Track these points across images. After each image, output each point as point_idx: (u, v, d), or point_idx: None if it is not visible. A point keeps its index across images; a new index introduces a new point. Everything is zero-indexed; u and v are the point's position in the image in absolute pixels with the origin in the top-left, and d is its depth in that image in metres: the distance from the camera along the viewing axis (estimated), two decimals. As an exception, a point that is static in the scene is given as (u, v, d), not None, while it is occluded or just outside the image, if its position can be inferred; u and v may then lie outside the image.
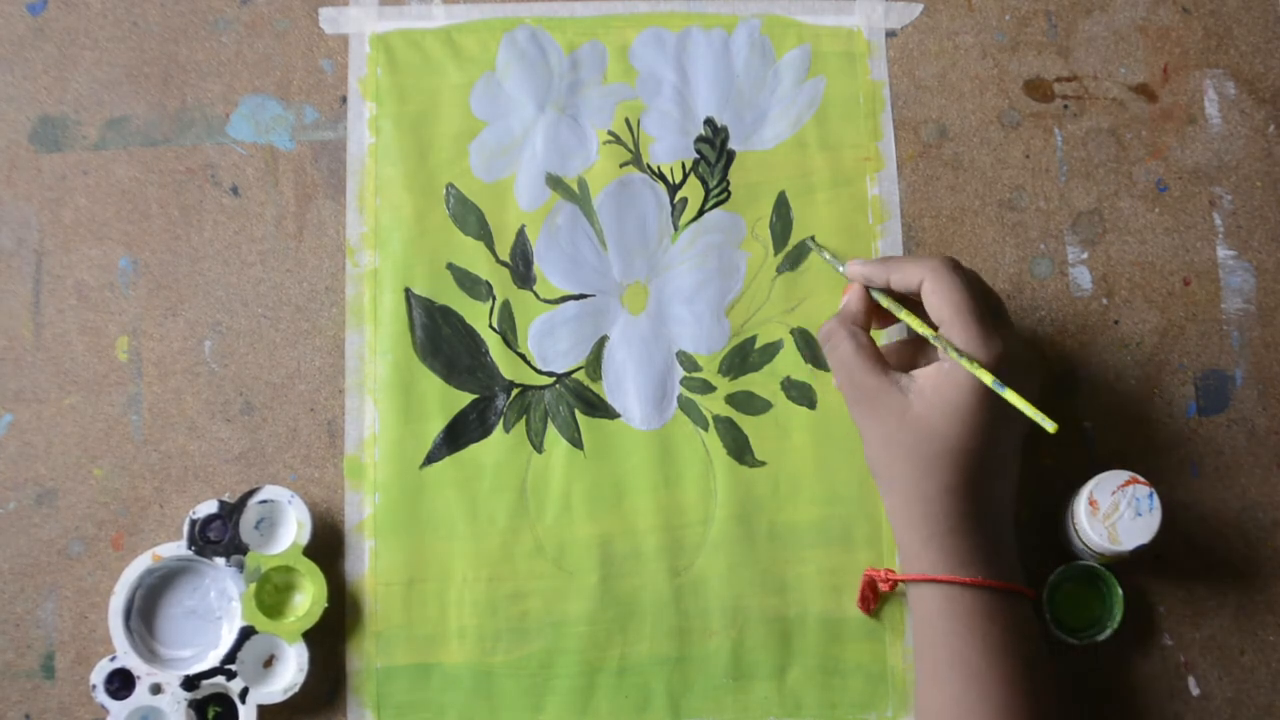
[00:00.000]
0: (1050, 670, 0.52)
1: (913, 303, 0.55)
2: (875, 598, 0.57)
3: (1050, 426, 0.48)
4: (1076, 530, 0.55)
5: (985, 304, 0.52)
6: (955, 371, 0.51)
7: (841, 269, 0.57)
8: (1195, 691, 0.58)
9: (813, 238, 0.61)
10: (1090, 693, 0.58)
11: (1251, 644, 0.58)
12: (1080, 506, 0.54)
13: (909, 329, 0.57)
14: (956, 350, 0.50)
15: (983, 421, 0.51)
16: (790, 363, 0.61)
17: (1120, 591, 0.56)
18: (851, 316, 0.55)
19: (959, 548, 0.51)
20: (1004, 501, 0.53)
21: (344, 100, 0.63)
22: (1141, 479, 0.54)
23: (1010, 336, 0.53)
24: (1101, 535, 0.54)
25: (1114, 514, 0.54)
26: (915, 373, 0.52)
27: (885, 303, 0.55)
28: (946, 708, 0.50)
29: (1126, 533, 0.54)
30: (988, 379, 0.50)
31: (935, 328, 0.52)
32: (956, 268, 0.52)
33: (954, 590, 0.51)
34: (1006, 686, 0.49)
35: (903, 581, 0.53)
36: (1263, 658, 0.58)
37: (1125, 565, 0.57)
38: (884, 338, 0.60)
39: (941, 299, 0.51)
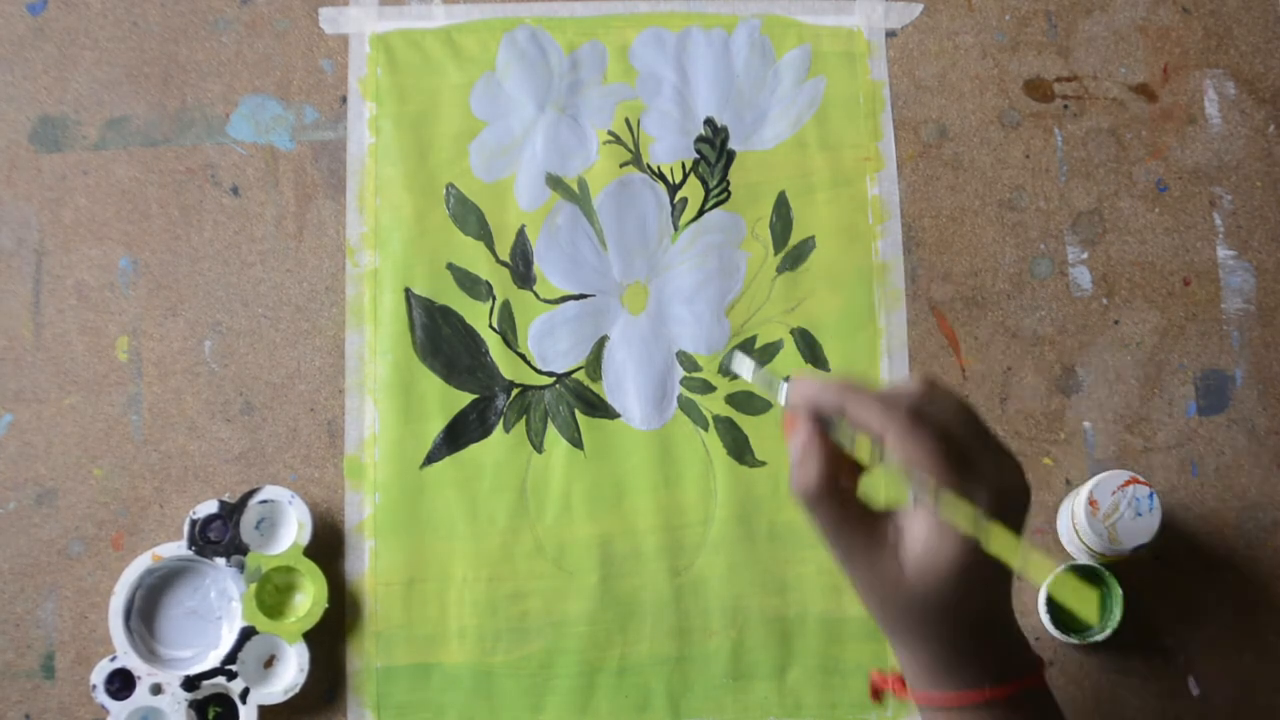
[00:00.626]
0: None
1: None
2: (881, 695, 0.54)
3: (1039, 582, 0.44)
4: (1076, 530, 0.55)
5: (963, 448, 0.44)
6: (947, 530, 0.44)
7: (778, 393, 0.45)
8: (1195, 691, 0.58)
9: (740, 346, 0.58)
10: (1090, 692, 0.58)
11: (1251, 644, 0.58)
12: (1080, 506, 0.54)
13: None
14: (945, 503, 0.44)
15: (981, 579, 0.46)
16: (790, 363, 0.61)
17: (1120, 591, 0.56)
18: (819, 480, 0.45)
19: (965, 675, 0.47)
20: (1010, 629, 0.49)
21: (344, 100, 0.63)
22: (1142, 479, 0.54)
23: (996, 470, 0.45)
24: (1101, 535, 0.54)
25: (1114, 514, 0.54)
26: (904, 523, 0.46)
27: (855, 450, 0.45)
28: None
29: (1126, 533, 0.54)
30: (967, 524, 0.43)
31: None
32: (922, 423, 0.44)
33: (963, 713, 0.47)
34: None
35: (913, 700, 0.48)
36: (1263, 658, 0.58)
37: (1125, 565, 0.57)
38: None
39: (911, 459, 0.44)
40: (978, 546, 0.44)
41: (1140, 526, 0.54)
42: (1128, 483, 0.54)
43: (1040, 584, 0.44)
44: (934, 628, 0.47)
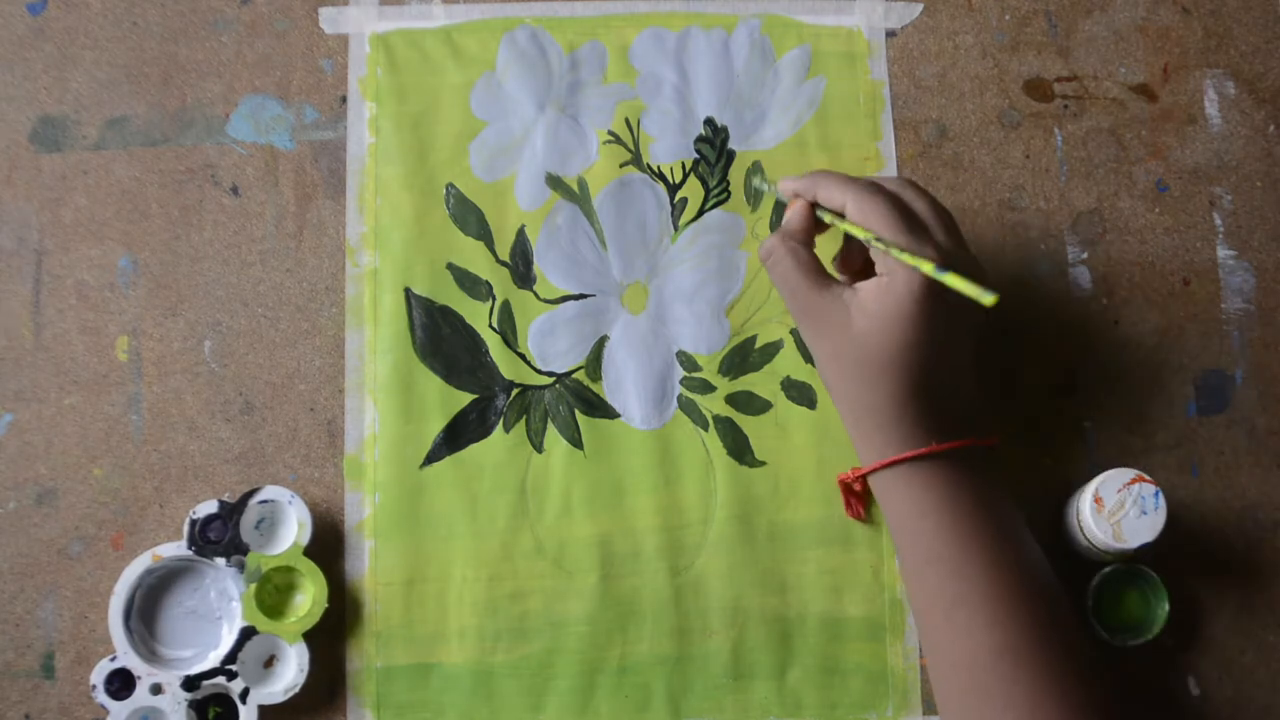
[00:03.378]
0: (1022, 520, 0.51)
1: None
2: (859, 501, 0.58)
3: (989, 299, 0.46)
4: (1081, 528, 0.55)
5: (918, 222, 0.52)
6: (895, 281, 0.50)
7: (774, 190, 0.57)
8: (1195, 691, 0.58)
9: (753, 167, 0.61)
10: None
11: (1251, 644, 0.58)
12: (1085, 504, 0.54)
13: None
14: (891, 247, 0.50)
15: (927, 329, 0.50)
16: (790, 363, 0.61)
17: (1166, 592, 0.56)
18: (792, 233, 0.54)
19: (907, 436, 0.51)
20: (957, 391, 0.52)
21: (344, 100, 0.63)
22: (1147, 477, 0.54)
23: (951, 244, 0.52)
24: (1106, 533, 0.54)
25: (1119, 512, 0.54)
26: (858, 285, 0.52)
27: (827, 217, 0.54)
28: (930, 597, 0.50)
29: (1131, 531, 0.54)
30: (926, 267, 0.48)
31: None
32: (878, 191, 0.52)
33: (910, 468, 0.50)
34: (981, 552, 0.49)
35: (867, 475, 0.53)
36: (1263, 658, 0.58)
37: (1130, 564, 0.57)
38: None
39: (869, 218, 0.51)
40: (926, 299, 0.50)
41: (1146, 524, 0.54)
42: (1133, 480, 0.54)
43: (990, 301, 0.46)
44: (883, 378, 0.51)
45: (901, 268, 0.50)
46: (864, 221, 0.51)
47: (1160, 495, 0.54)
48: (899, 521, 0.51)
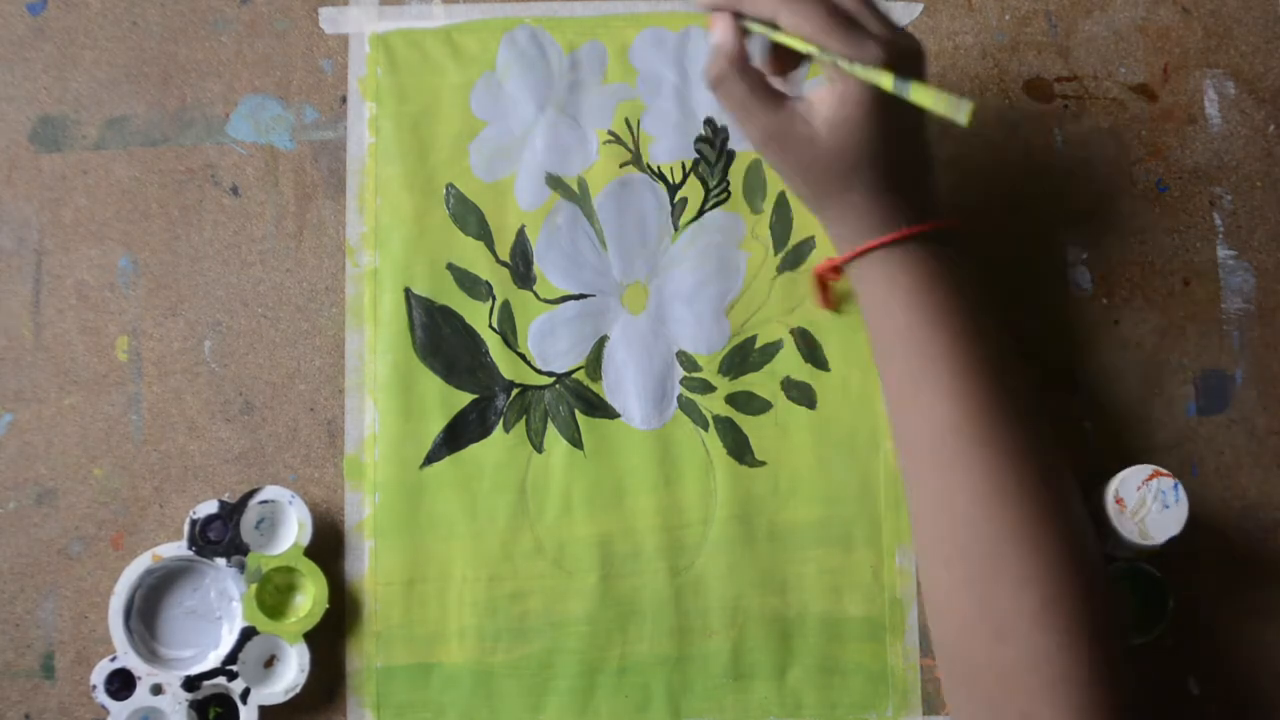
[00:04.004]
0: (987, 304, 0.52)
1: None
2: (831, 294, 0.60)
3: (964, 118, 0.45)
4: (1106, 531, 0.55)
5: (848, 11, 0.51)
6: (849, 86, 0.50)
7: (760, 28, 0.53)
8: (1195, 691, 0.58)
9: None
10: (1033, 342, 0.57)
11: (1251, 644, 0.58)
12: (1108, 506, 0.54)
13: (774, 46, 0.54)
14: (845, 62, 0.49)
15: (888, 122, 0.51)
16: (790, 363, 0.61)
17: (1169, 591, 0.56)
18: (732, 53, 0.52)
19: (883, 226, 0.52)
20: (922, 177, 0.54)
21: (344, 100, 0.63)
22: (1165, 471, 0.54)
23: (887, 32, 0.51)
24: (1132, 532, 0.54)
25: (1141, 509, 0.54)
26: (810, 96, 0.52)
27: (755, 28, 0.51)
28: (898, 376, 0.52)
29: (1156, 526, 0.54)
30: (887, 84, 0.48)
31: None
32: None
33: (885, 252, 0.52)
34: (946, 328, 0.50)
35: (843, 264, 0.54)
36: (1263, 658, 0.58)
37: (1151, 561, 0.57)
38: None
39: (801, 26, 0.50)
40: (880, 95, 0.50)
41: (1169, 518, 0.54)
42: (1151, 476, 0.54)
43: (966, 121, 0.46)
44: (853, 180, 0.52)
45: (844, 71, 0.50)
46: (800, 30, 0.50)
47: (1180, 487, 0.54)
48: (873, 302, 0.53)
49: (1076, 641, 0.46)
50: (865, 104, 0.50)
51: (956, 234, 0.53)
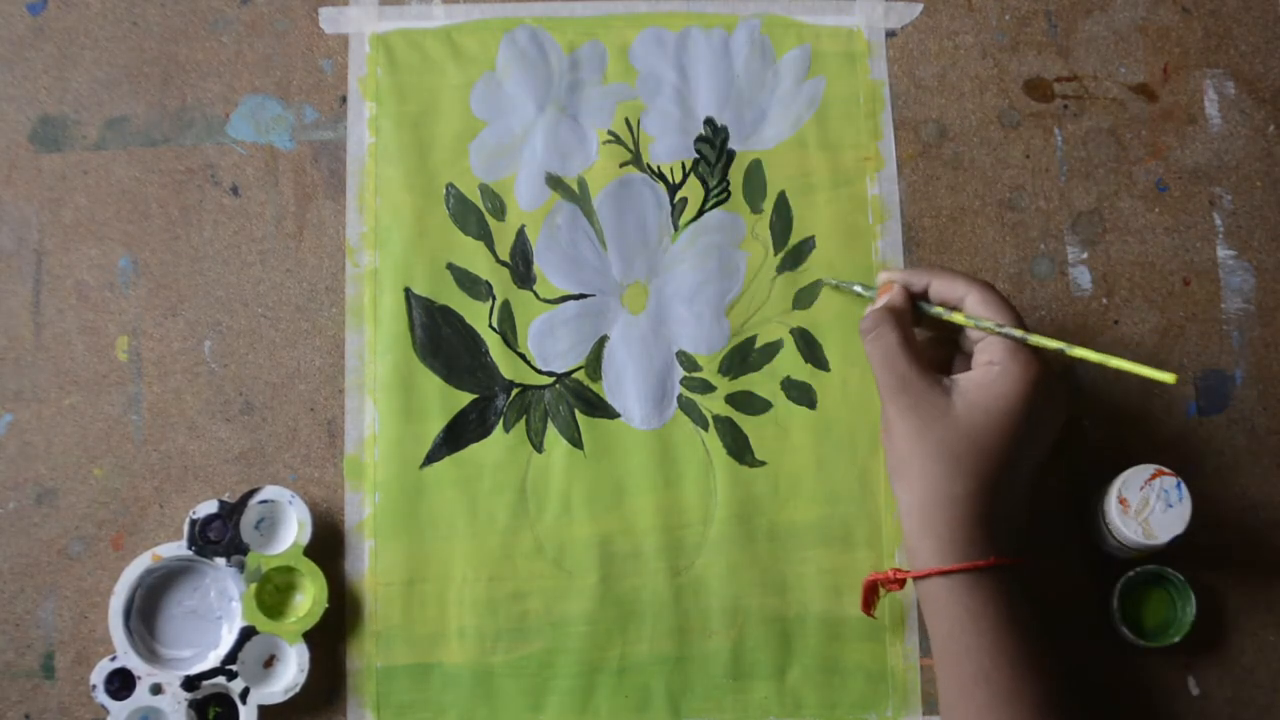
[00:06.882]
0: (1051, 641, 0.51)
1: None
2: (876, 600, 0.57)
3: (1170, 378, 0.49)
4: (1110, 530, 0.55)
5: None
6: (1006, 374, 0.51)
7: (859, 289, 0.59)
8: (1195, 691, 0.58)
9: (826, 279, 0.61)
10: (1091, 692, 0.58)
11: (1251, 644, 0.58)
12: (1111, 506, 0.54)
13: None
14: (1031, 335, 0.52)
15: (1023, 428, 0.51)
16: (790, 363, 0.61)
17: (1192, 594, 0.56)
18: (896, 311, 0.54)
19: (973, 543, 0.51)
20: (1023, 495, 0.53)
21: (344, 100, 0.63)
22: (1167, 470, 0.54)
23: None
24: (1136, 533, 0.54)
25: (1145, 509, 0.54)
26: (958, 376, 0.53)
27: (933, 310, 0.55)
28: (977, 714, 0.50)
29: (1160, 525, 0.54)
30: (1092, 355, 0.51)
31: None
32: (992, 285, 0.54)
33: (971, 578, 0.50)
34: (1035, 680, 0.49)
35: (915, 578, 0.52)
36: (1263, 658, 0.58)
37: (1153, 560, 0.57)
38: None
39: (993, 312, 0.53)
40: (1035, 394, 0.51)
41: (1174, 517, 0.54)
42: (1154, 476, 0.54)
43: (1171, 380, 0.49)
44: (974, 470, 0.51)
45: (1012, 361, 0.51)
46: (987, 313, 0.53)
47: (1183, 486, 0.54)
48: (950, 629, 0.50)
49: None
50: (1018, 397, 0.51)
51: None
